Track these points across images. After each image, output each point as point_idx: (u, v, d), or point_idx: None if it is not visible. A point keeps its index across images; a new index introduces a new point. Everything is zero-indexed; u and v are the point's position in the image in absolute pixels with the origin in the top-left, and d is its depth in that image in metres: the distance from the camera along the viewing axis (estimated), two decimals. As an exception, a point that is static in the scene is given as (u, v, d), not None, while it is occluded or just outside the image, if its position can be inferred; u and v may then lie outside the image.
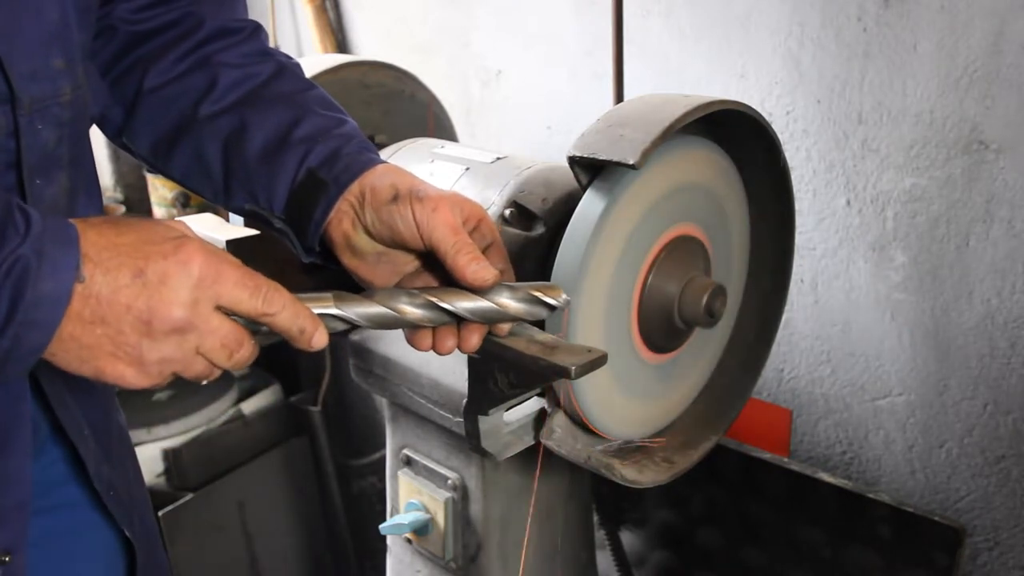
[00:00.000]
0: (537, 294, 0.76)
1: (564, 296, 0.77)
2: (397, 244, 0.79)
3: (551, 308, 0.77)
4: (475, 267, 0.75)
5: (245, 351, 0.68)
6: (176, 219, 0.70)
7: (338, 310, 0.72)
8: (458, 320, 0.77)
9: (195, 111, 0.86)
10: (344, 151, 0.82)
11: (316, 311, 0.71)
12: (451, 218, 0.76)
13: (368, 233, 0.80)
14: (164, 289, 0.63)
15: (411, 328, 0.78)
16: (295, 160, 0.82)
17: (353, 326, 0.73)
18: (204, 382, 0.69)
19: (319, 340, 0.70)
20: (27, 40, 0.69)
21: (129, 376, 0.64)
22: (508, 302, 0.76)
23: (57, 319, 0.61)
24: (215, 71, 0.86)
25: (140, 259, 0.62)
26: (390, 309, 0.74)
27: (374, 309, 0.73)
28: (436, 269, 0.80)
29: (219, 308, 0.66)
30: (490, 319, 0.77)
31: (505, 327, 0.80)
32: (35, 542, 0.81)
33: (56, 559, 0.89)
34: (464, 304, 0.75)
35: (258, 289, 0.66)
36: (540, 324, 0.93)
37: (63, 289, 0.60)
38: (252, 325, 0.68)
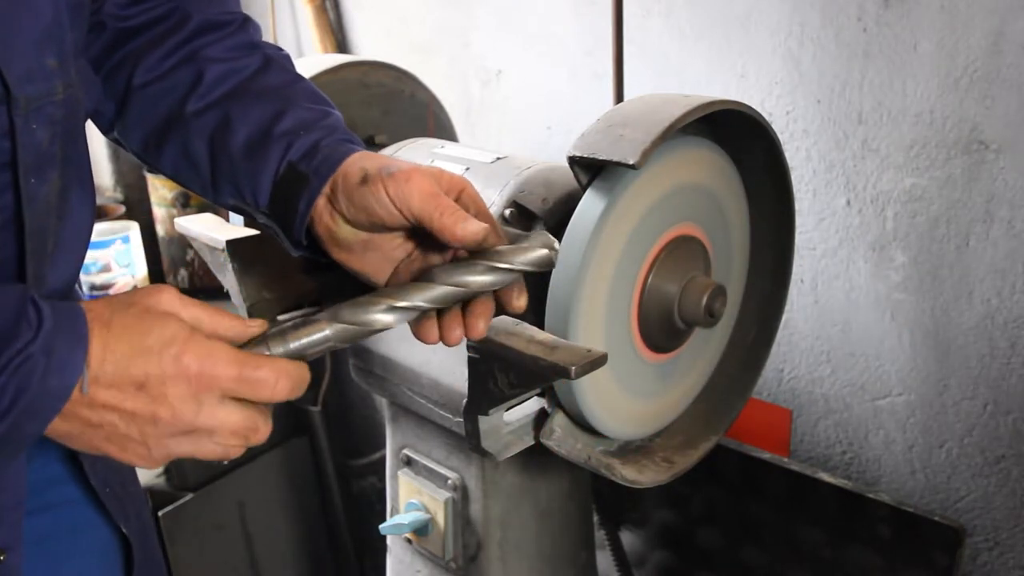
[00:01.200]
0: (527, 245, 0.74)
1: (553, 245, 0.74)
2: (377, 227, 0.77)
3: (547, 255, 0.74)
4: (463, 224, 0.73)
5: (261, 432, 0.69)
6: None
7: (332, 330, 0.71)
8: (462, 304, 0.76)
9: (182, 107, 0.85)
10: (323, 143, 0.81)
11: (312, 338, 0.70)
12: (427, 185, 0.74)
13: (347, 222, 0.78)
14: (166, 400, 0.64)
15: (415, 321, 0.77)
16: (277, 154, 0.81)
17: (350, 341, 0.73)
18: (226, 462, 0.70)
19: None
20: (22, 40, 0.69)
21: (138, 462, 0.67)
22: (503, 263, 0.73)
23: (56, 410, 0.62)
24: (201, 66, 0.85)
25: (139, 373, 0.63)
26: (385, 313, 0.72)
27: (368, 316, 0.72)
28: (430, 250, 0.79)
29: (226, 397, 0.67)
30: (494, 284, 0.74)
31: (521, 303, 0.77)
32: (33, 540, 0.81)
33: (54, 557, 0.89)
34: (465, 278, 0.72)
35: (261, 385, 0.67)
36: (540, 322, 0.93)
37: (67, 384, 0.61)
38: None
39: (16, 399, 0.60)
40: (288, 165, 0.80)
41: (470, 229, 0.72)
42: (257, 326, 0.70)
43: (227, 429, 0.66)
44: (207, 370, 0.65)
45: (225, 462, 0.71)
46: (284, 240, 0.84)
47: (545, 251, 0.74)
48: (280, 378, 0.68)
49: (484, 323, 0.77)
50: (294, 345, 0.70)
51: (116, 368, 0.63)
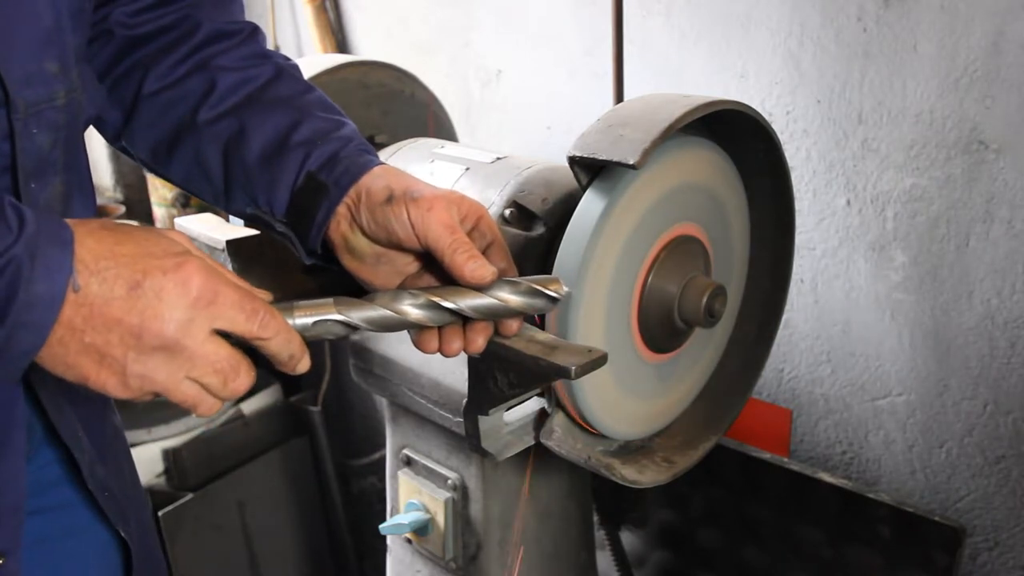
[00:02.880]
0: (537, 287, 0.76)
1: (565, 288, 0.77)
2: (394, 245, 0.79)
3: (553, 300, 0.77)
4: (472, 265, 0.75)
5: (242, 379, 0.67)
6: (176, 229, 0.70)
7: (339, 315, 0.72)
8: (463, 320, 0.77)
9: (194, 115, 0.86)
10: (343, 153, 0.82)
11: (318, 318, 0.71)
12: (446, 217, 0.76)
13: (365, 235, 0.80)
14: (159, 304, 0.62)
15: (416, 330, 0.78)
16: (295, 164, 0.82)
17: (355, 330, 0.74)
18: (195, 414, 0.69)
19: (304, 366, 0.71)
20: (21, 44, 0.69)
21: (111, 386, 0.64)
22: (509, 297, 0.76)
23: (50, 321, 0.60)
24: (213, 75, 0.86)
25: (138, 272, 0.62)
26: (391, 311, 0.74)
27: (375, 312, 0.73)
28: (438, 269, 0.80)
29: (216, 332, 0.65)
30: (492, 315, 0.77)
31: (514, 327, 0.80)
32: (30, 543, 0.81)
33: (52, 560, 0.89)
34: (465, 302, 0.75)
35: (255, 312, 0.66)
36: (541, 321, 0.93)
37: (57, 291, 0.60)
38: (244, 344, 0.68)
39: (6, 307, 0.58)
40: (307, 175, 0.81)
41: (478, 273, 0.75)
42: (263, 295, 0.70)
43: (209, 361, 0.65)
44: (210, 284, 0.64)
45: (194, 413, 0.69)
46: (298, 248, 0.85)
47: (565, 287, 0.77)
48: (278, 326, 0.67)
49: (483, 340, 0.79)
50: (300, 320, 0.70)
51: (113, 265, 0.62)
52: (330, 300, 0.73)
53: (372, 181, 0.79)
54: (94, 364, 0.63)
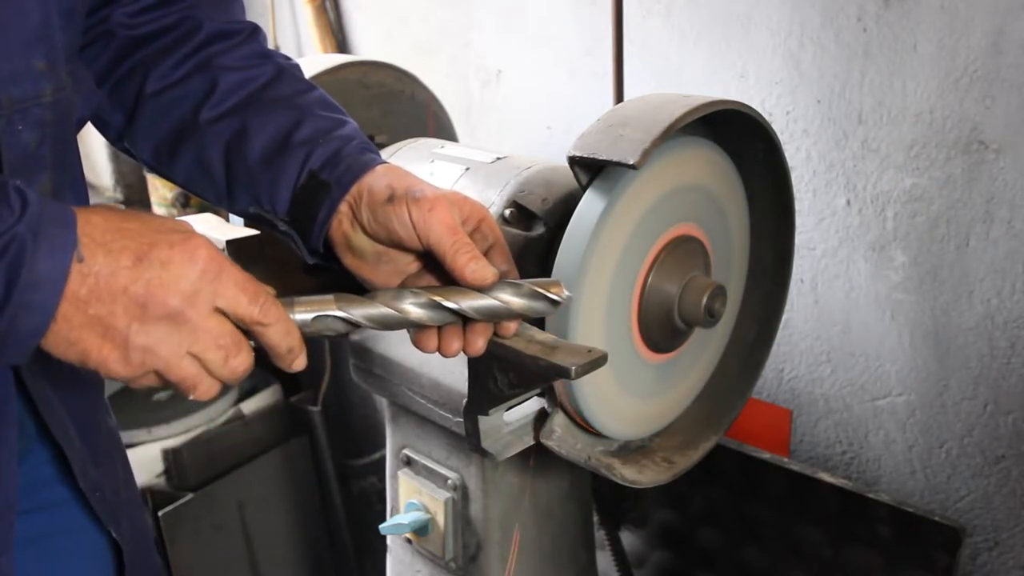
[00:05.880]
0: (539, 290, 0.76)
1: (566, 292, 0.77)
2: (395, 244, 0.79)
3: (554, 303, 0.77)
4: (474, 266, 0.75)
5: (243, 359, 0.67)
6: (179, 219, 0.70)
7: (340, 311, 0.72)
8: (463, 320, 0.77)
9: (196, 115, 0.86)
10: (344, 152, 0.82)
11: (318, 313, 0.71)
12: (448, 218, 0.76)
13: (366, 233, 0.80)
14: (165, 274, 0.63)
15: (415, 329, 0.78)
16: (297, 163, 0.82)
17: (355, 327, 0.74)
18: (192, 396, 0.68)
19: (301, 363, 0.71)
20: (8, 42, 0.69)
21: (111, 361, 0.63)
22: (510, 299, 0.76)
23: (55, 301, 0.60)
24: (215, 75, 0.86)
25: (145, 244, 0.62)
26: (392, 309, 0.74)
27: (375, 310, 0.74)
28: (439, 269, 0.80)
29: (217, 310, 0.65)
30: (493, 316, 0.77)
31: (511, 328, 0.80)
32: (23, 542, 0.81)
33: (44, 559, 0.89)
34: (466, 302, 0.75)
35: (257, 296, 0.67)
36: (540, 323, 0.93)
37: (60, 270, 0.60)
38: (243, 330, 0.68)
39: (9, 288, 0.58)
40: (309, 174, 0.81)
41: (479, 275, 0.75)
42: (266, 288, 0.70)
43: (212, 336, 0.65)
44: (216, 259, 0.64)
45: (190, 396, 0.68)
46: (300, 247, 0.85)
47: (566, 291, 0.78)
48: (279, 314, 0.68)
49: (483, 341, 0.79)
50: (300, 315, 0.70)
51: (120, 238, 0.62)
52: (331, 296, 0.73)
53: (374, 180, 0.79)
54: (96, 338, 0.63)
